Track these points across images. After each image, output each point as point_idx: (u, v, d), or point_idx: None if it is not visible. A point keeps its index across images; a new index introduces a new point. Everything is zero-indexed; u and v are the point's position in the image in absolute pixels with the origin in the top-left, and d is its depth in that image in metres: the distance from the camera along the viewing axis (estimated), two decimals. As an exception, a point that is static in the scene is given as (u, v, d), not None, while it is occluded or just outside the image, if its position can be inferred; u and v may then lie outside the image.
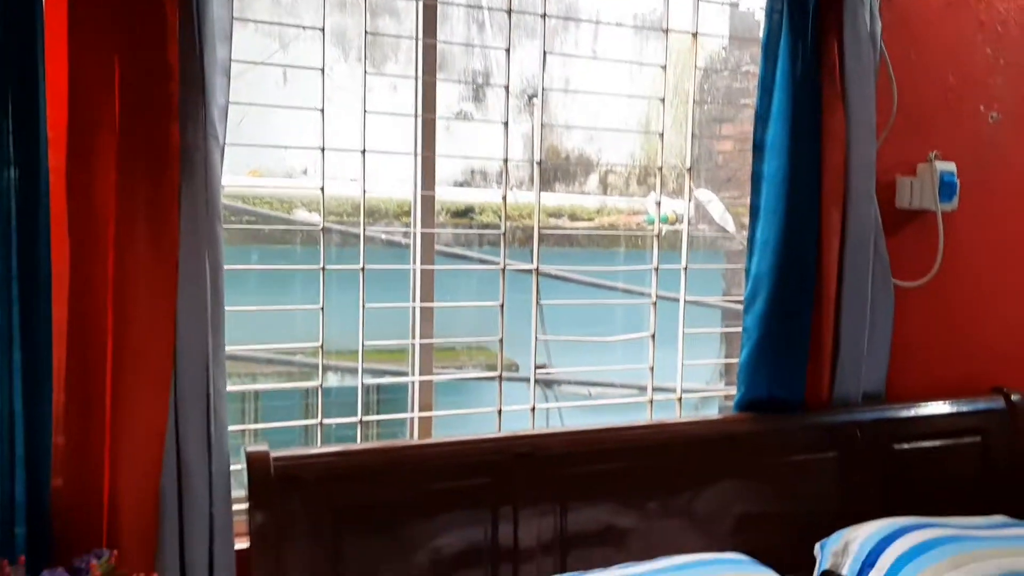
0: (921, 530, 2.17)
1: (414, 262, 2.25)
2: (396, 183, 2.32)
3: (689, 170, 2.56)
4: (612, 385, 3.08)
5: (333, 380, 2.91)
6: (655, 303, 2.51)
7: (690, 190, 2.58)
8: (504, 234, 2.31)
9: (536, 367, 2.37)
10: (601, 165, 3.39)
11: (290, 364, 2.51)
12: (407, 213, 2.33)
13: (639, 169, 3.18)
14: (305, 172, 2.55)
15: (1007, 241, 2.90)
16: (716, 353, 3.03)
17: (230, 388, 1.96)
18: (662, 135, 2.49)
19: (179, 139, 1.74)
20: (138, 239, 1.74)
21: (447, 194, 3.03)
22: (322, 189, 2.10)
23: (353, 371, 2.19)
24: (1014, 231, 2.91)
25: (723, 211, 3.08)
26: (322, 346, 2.13)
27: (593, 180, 3.59)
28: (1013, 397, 2.77)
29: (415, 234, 2.24)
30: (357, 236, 2.16)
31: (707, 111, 2.87)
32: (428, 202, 2.26)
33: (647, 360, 2.52)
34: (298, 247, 2.97)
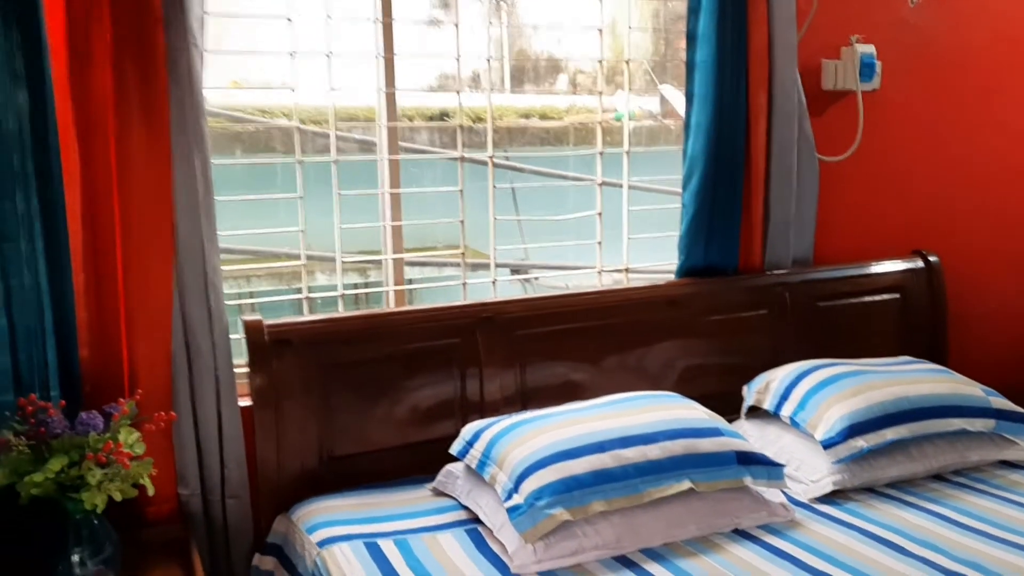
0: (829, 368, 2.50)
1: (381, 153, 2.51)
2: (367, 90, 2.54)
3: (627, 62, 2.81)
4: (576, 268, 3.38)
5: (323, 280, 3.20)
6: (601, 184, 2.80)
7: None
8: (460, 126, 2.57)
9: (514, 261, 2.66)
10: (568, 65, 3.59)
11: (277, 256, 2.80)
12: (373, 120, 2.57)
13: (606, 69, 3.39)
14: (283, 84, 2.77)
15: (925, 117, 3.17)
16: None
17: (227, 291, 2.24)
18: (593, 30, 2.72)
19: (164, 43, 1.98)
20: (135, 135, 2.01)
21: (418, 99, 3.25)
22: (293, 89, 2.35)
23: (333, 259, 2.48)
24: (932, 107, 3.17)
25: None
26: (303, 230, 2.41)
27: (563, 81, 3.80)
28: (931, 258, 3.08)
29: (380, 127, 2.50)
30: (330, 139, 2.42)
31: (671, 8, 3.05)
32: (392, 100, 2.51)
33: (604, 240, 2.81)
34: (278, 154, 3.20)
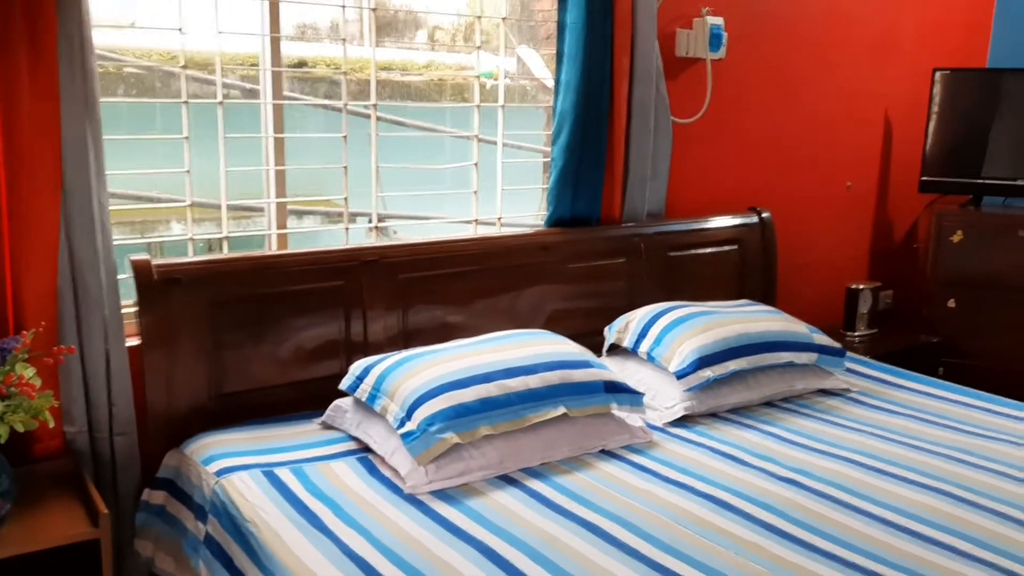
0: (680, 309, 2.79)
1: (265, 97, 2.55)
2: (245, 35, 2.54)
3: (504, 19, 2.95)
4: (443, 219, 3.51)
5: (177, 228, 3.17)
6: (477, 136, 2.94)
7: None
8: (345, 74, 2.64)
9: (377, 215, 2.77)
10: (426, 20, 3.67)
11: (160, 200, 2.76)
12: (256, 65, 2.59)
13: (464, 27, 3.50)
14: (133, 24, 2.70)
15: (764, 85, 3.51)
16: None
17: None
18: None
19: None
20: (21, 68, 1.96)
21: (292, 49, 3.25)
22: (180, 30, 2.34)
23: (218, 206, 2.50)
24: (770, 77, 3.52)
25: (543, 66, 3.49)
26: (188, 171, 2.42)
27: (422, 36, 3.89)
28: (764, 214, 3.44)
29: (265, 71, 2.53)
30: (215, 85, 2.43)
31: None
32: (276, 45, 2.54)
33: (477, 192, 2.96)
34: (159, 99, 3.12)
